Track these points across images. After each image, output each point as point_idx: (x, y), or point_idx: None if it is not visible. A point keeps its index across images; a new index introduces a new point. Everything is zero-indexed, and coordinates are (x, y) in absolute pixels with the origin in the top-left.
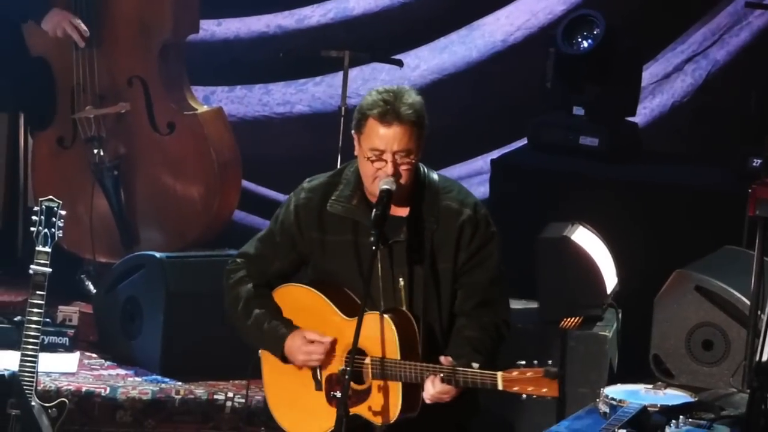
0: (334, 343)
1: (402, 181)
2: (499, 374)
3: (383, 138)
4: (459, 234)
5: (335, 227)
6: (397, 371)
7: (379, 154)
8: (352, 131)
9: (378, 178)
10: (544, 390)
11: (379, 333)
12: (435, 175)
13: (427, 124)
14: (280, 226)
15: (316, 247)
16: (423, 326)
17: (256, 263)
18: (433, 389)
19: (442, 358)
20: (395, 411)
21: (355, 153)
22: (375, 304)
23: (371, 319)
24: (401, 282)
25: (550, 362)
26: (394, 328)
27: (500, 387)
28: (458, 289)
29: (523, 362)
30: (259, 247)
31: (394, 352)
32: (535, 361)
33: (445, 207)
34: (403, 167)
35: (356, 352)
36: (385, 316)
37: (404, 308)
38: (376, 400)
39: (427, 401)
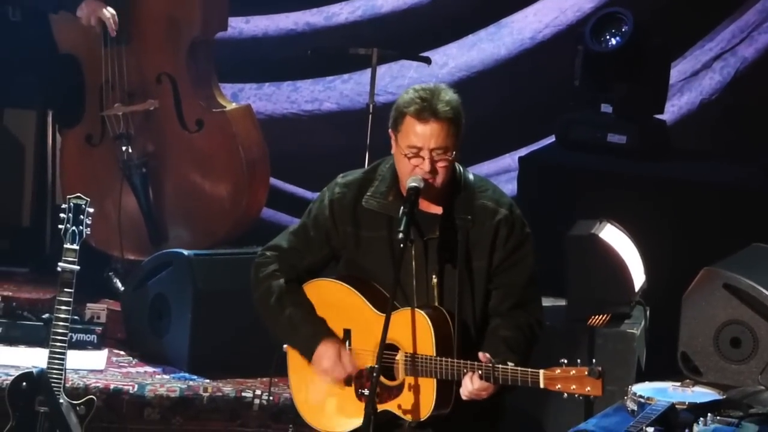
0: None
1: (439, 178)
2: (542, 372)
3: (420, 135)
4: (495, 233)
5: (370, 223)
6: (433, 368)
7: (417, 152)
8: (389, 129)
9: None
10: (588, 389)
11: (414, 328)
12: (471, 175)
13: (463, 122)
14: (314, 220)
15: (350, 242)
16: (458, 324)
17: (288, 257)
18: (471, 386)
19: (481, 355)
20: (428, 408)
21: (392, 151)
22: (408, 301)
23: (406, 315)
24: (434, 279)
25: (594, 361)
26: (430, 324)
27: (542, 385)
28: (493, 290)
29: (565, 360)
30: (292, 240)
31: (429, 348)
32: (578, 360)
33: (481, 206)
34: (440, 164)
35: (389, 348)
36: (421, 311)
37: (437, 303)
38: (408, 396)
39: (464, 398)
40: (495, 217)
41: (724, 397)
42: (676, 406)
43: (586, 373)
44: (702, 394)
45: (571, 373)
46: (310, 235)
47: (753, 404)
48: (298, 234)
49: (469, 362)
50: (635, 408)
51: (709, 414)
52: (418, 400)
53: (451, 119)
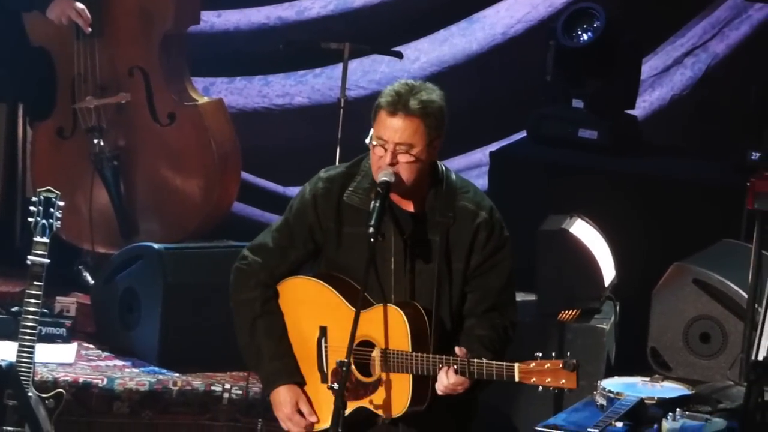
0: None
1: (403, 176)
2: (516, 365)
3: (388, 127)
4: (474, 236)
5: (351, 218)
6: (408, 363)
7: (382, 143)
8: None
9: (380, 168)
10: (563, 381)
11: (390, 325)
12: (453, 176)
13: (441, 125)
14: (296, 216)
15: (331, 239)
16: (434, 321)
17: (272, 258)
18: (447, 380)
19: (457, 349)
20: (403, 405)
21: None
22: (386, 299)
23: (381, 311)
24: (412, 277)
25: (568, 354)
26: (405, 320)
27: (517, 378)
28: (469, 292)
29: (540, 354)
30: (277, 238)
31: (404, 344)
32: (553, 353)
33: (462, 207)
34: (402, 159)
35: (365, 344)
36: (396, 307)
37: (415, 302)
38: (383, 393)
39: (440, 393)
40: (475, 219)
41: (693, 392)
42: (645, 401)
43: (561, 366)
44: (671, 389)
45: (546, 366)
46: (293, 230)
47: (722, 399)
48: (282, 231)
49: (444, 357)
50: (604, 403)
51: (678, 409)
52: (394, 396)
53: (420, 117)
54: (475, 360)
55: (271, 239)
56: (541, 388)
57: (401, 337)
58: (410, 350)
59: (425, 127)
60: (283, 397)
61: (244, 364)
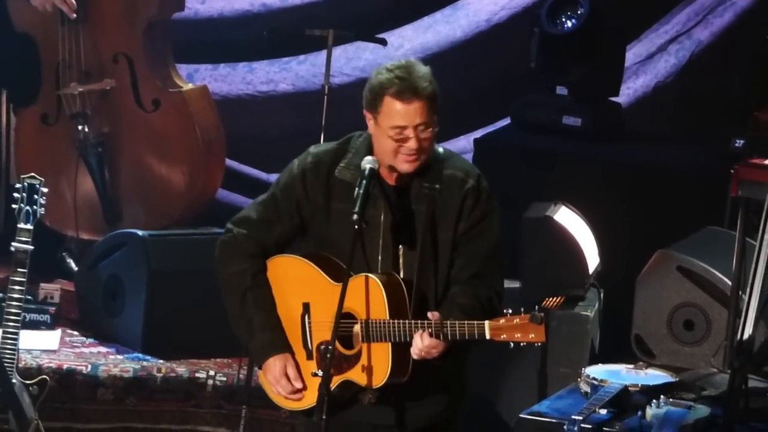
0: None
1: (424, 153)
2: (487, 323)
3: (405, 115)
4: (462, 202)
5: (341, 194)
6: (386, 330)
7: (401, 131)
8: (365, 110)
9: (400, 155)
10: (531, 335)
11: (368, 295)
12: (440, 148)
13: (438, 93)
14: (284, 189)
15: (319, 214)
16: (415, 291)
17: (257, 230)
18: (421, 343)
19: (430, 314)
20: (384, 374)
21: (369, 131)
22: (372, 273)
23: (359, 282)
24: (401, 250)
25: (536, 307)
26: (382, 288)
27: (488, 336)
28: (456, 258)
29: (510, 310)
30: (261, 211)
31: (382, 312)
32: (522, 309)
33: (449, 175)
34: (423, 137)
35: (347, 317)
36: (373, 277)
37: (401, 276)
38: (364, 363)
39: (415, 356)
40: (464, 186)
41: (677, 379)
42: (629, 389)
43: (529, 319)
44: (655, 376)
45: (515, 321)
46: (280, 204)
47: (706, 386)
48: (267, 204)
49: (419, 321)
50: (588, 390)
51: (661, 396)
52: (374, 367)
53: (430, 94)
54: (448, 322)
55: (255, 212)
56: (512, 345)
57: (379, 306)
58: (388, 318)
59: (434, 102)
60: (271, 365)
61: (229, 350)
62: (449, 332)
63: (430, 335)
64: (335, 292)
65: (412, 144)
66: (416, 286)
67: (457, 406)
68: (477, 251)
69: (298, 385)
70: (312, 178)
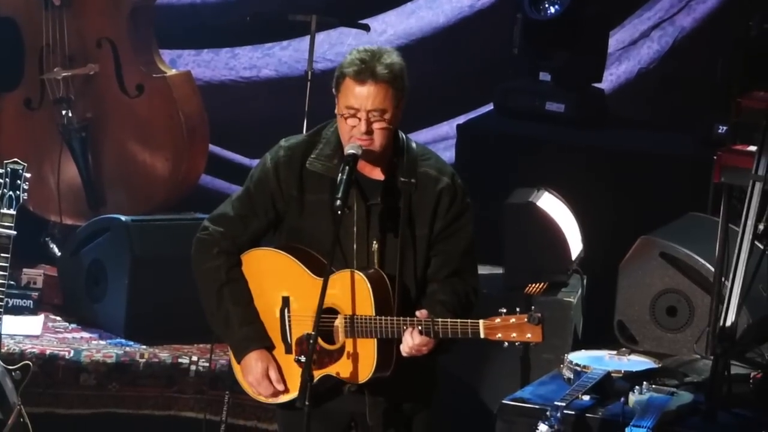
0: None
1: (377, 141)
2: (481, 321)
3: (358, 96)
4: (437, 202)
5: (314, 186)
6: (373, 327)
7: (354, 113)
8: (333, 89)
9: (353, 137)
10: (528, 335)
11: (353, 291)
12: (414, 143)
13: (405, 86)
14: (257, 184)
15: (293, 207)
16: (398, 287)
17: (233, 227)
18: (412, 341)
19: (418, 312)
20: (369, 370)
21: (336, 112)
22: (348, 266)
23: (343, 277)
24: (375, 245)
25: (533, 308)
26: (368, 285)
27: (482, 335)
28: (432, 257)
29: (505, 310)
30: (237, 207)
31: (368, 309)
32: (518, 308)
33: (424, 174)
34: (376, 126)
35: (328, 312)
36: (359, 273)
37: (377, 268)
38: (348, 359)
39: (405, 354)
40: (438, 185)
41: (660, 365)
42: (612, 375)
43: (526, 320)
44: (638, 362)
45: (511, 321)
46: (255, 199)
47: (688, 373)
48: (243, 200)
49: (408, 318)
50: (571, 376)
51: (644, 382)
52: (359, 362)
53: (389, 81)
54: (440, 319)
55: (231, 209)
56: (506, 344)
57: (365, 302)
58: (374, 314)
59: (394, 90)
60: (254, 362)
61: (211, 336)
62: (440, 330)
63: (420, 333)
64: (316, 286)
65: (361, 126)
66: (398, 282)
67: (433, 386)
68: (453, 250)
69: (280, 387)
70: (285, 172)
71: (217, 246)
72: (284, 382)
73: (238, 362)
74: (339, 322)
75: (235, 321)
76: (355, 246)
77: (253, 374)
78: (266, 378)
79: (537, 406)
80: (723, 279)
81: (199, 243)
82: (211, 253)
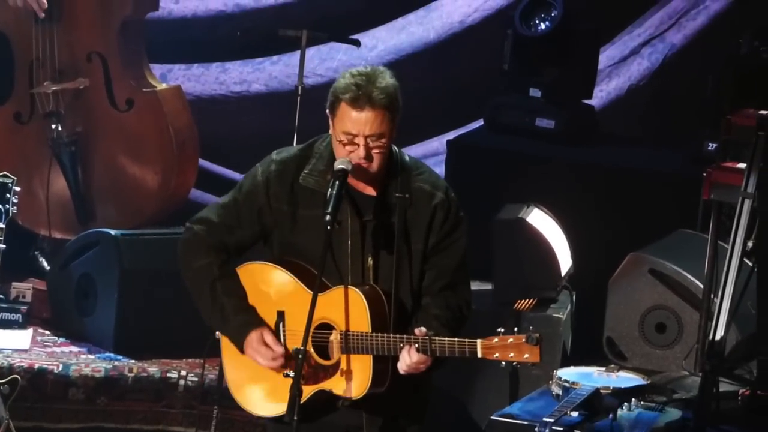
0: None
1: (375, 164)
2: (479, 341)
3: (355, 122)
4: (432, 216)
5: (307, 201)
6: (369, 344)
7: (351, 138)
8: (327, 111)
9: (351, 161)
10: (526, 356)
11: (349, 306)
12: (407, 157)
13: (400, 107)
14: (246, 196)
15: (285, 221)
16: (394, 303)
17: (217, 231)
18: (410, 359)
19: (417, 330)
20: (364, 386)
21: (330, 131)
22: (343, 281)
23: (340, 293)
24: (370, 261)
25: (531, 328)
26: (364, 301)
27: (480, 354)
28: (426, 270)
29: (502, 329)
30: (222, 215)
31: (364, 325)
32: (515, 328)
33: (418, 188)
34: (375, 151)
35: (323, 327)
36: (355, 289)
37: (373, 284)
38: (343, 375)
39: (402, 372)
40: (432, 200)
41: (649, 382)
42: (601, 391)
43: (524, 340)
44: (626, 379)
45: (509, 341)
46: (241, 210)
47: (677, 389)
48: (228, 208)
49: (405, 336)
50: (560, 392)
51: (633, 399)
52: (354, 378)
53: (386, 106)
54: (437, 338)
55: (216, 215)
56: (504, 363)
57: (361, 319)
58: (370, 331)
59: (390, 113)
60: (250, 340)
61: (201, 351)
62: (438, 348)
63: (418, 351)
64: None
65: (360, 152)
66: (394, 297)
67: (426, 401)
68: (447, 264)
69: (279, 349)
70: (276, 187)
71: (205, 244)
72: (282, 344)
73: (240, 349)
74: (334, 337)
75: (230, 311)
76: (349, 261)
77: (250, 346)
78: (263, 344)
79: (526, 422)
80: (712, 296)
81: (185, 244)
82: (201, 251)
